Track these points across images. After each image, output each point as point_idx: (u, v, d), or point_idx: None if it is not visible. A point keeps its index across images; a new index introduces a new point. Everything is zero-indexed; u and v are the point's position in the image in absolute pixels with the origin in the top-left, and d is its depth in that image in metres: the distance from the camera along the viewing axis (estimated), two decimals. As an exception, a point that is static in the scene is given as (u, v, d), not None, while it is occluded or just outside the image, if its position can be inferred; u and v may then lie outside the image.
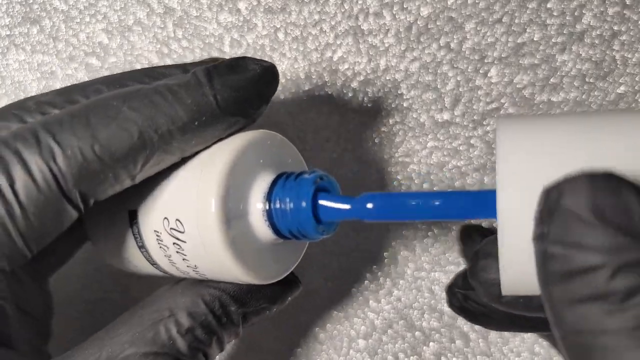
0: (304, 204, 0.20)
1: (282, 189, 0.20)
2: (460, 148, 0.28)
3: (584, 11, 0.26)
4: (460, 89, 0.27)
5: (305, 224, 0.20)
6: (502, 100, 0.27)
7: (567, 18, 0.27)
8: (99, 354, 0.19)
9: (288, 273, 0.22)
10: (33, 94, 0.29)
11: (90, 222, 0.23)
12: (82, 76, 0.29)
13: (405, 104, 0.28)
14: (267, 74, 0.21)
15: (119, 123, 0.19)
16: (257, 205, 0.20)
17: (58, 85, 0.29)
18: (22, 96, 0.29)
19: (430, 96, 0.27)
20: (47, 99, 0.21)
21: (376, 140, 0.28)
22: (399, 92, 0.28)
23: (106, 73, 0.29)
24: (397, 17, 0.27)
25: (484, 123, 0.27)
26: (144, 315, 0.20)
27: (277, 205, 0.20)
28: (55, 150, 0.18)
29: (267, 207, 0.20)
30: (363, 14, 0.27)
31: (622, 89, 0.27)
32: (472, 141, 0.28)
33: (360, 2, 0.27)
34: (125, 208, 0.21)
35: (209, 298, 0.21)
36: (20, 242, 0.18)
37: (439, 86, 0.27)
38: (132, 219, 0.21)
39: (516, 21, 0.27)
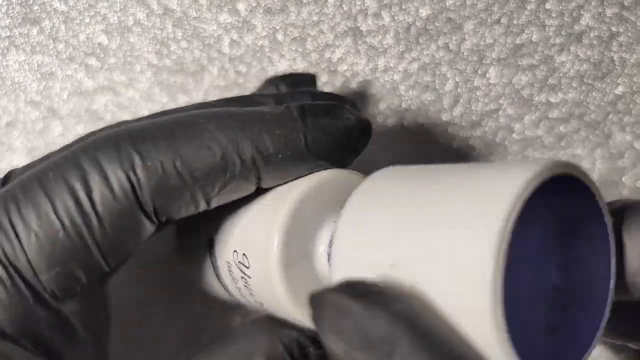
0: None
1: None
2: (460, 149, 0.28)
3: (582, 12, 0.26)
4: (459, 90, 0.27)
5: None
6: (501, 101, 0.27)
7: (565, 19, 0.27)
8: None
9: None
10: (33, 94, 0.29)
11: (180, 243, 0.24)
12: (82, 77, 0.29)
13: (404, 105, 0.28)
14: (361, 126, 0.20)
15: (204, 141, 0.18)
16: (320, 248, 0.19)
17: (58, 86, 0.29)
18: (22, 97, 0.29)
19: (429, 97, 0.28)
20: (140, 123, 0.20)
21: (375, 141, 0.28)
22: (397, 92, 0.28)
23: (106, 74, 0.29)
24: (395, 18, 0.27)
25: (483, 124, 0.27)
26: (221, 359, 0.20)
27: None
28: (136, 161, 0.17)
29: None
30: (362, 15, 0.27)
31: (620, 89, 0.27)
32: (470, 142, 0.28)
33: (359, 3, 0.27)
34: (206, 236, 0.21)
35: (286, 340, 0.20)
36: (96, 253, 0.18)
37: (437, 87, 0.27)
38: (211, 247, 0.21)
39: (515, 22, 0.27)
